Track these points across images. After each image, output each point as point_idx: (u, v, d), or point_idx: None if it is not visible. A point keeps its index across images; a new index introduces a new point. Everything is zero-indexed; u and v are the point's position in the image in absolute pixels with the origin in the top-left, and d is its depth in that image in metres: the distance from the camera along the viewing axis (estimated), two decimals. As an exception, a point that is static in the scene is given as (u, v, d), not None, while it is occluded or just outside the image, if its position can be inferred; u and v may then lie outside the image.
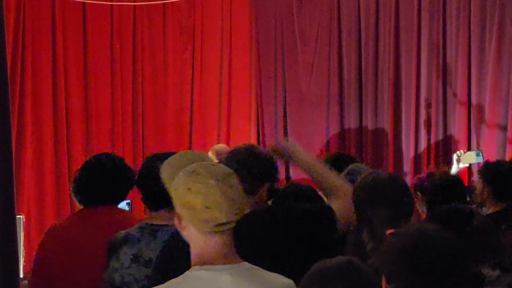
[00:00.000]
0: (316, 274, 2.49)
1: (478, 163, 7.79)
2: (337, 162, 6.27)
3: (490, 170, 6.39)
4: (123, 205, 6.78)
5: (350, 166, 5.35)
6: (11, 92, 8.26)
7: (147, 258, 4.03)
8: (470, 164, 8.25)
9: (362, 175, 4.25)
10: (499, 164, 6.62)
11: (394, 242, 2.73)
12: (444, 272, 2.60)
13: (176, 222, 3.03)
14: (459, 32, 9.45)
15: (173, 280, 3.00)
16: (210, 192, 2.88)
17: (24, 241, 7.78)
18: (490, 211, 6.05)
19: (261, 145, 10.93)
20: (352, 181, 4.76)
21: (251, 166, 4.01)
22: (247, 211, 3.03)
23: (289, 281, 3.10)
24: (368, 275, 2.47)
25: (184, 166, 3.11)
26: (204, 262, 2.98)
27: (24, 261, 7.27)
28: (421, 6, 9.75)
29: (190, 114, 11.01)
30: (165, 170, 3.48)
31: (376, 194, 3.93)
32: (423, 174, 7.79)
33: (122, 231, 4.17)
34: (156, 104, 10.88)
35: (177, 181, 3.00)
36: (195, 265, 3.00)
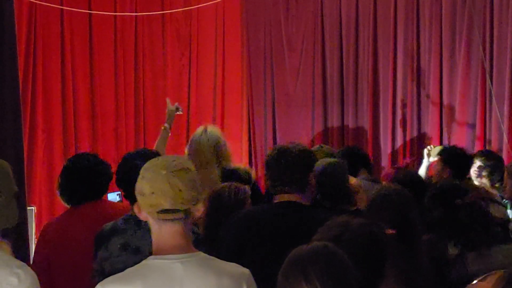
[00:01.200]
0: (294, 259, 2.43)
1: None
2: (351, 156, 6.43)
3: (449, 154, 6.58)
4: (113, 196, 6.83)
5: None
6: (24, 95, 8.32)
7: (134, 247, 4.03)
8: None
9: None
10: (455, 148, 6.90)
11: None
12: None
13: (135, 209, 3.04)
14: (431, 39, 9.44)
15: (130, 268, 3.01)
16: (158, 179, 2.89)
17: (36, 230, 7.80)
18: None
19: (252, 142, 11.00)
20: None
21: None
22: (197, 205, 2.97)
23: (245, 270, 3.10)
24: (343, 257, 2.42)
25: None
26: (159, 251, 2.97)
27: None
28: (396, 15, 9.74)
29: (187, 114, 10.96)
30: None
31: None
32: (393, 169, 7.91)
33: (108, 223, 4.15)
34: (156, 105, 10.84)
35: (141, 171, 3.02)
36: (153, 254, 3.00)
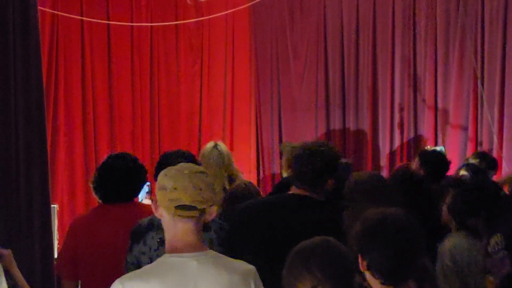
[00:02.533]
0: (297, 253, 2.43)
1: None
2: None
3: (426, 157, 6.56)
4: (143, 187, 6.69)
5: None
6: (47, 100, 8.30)
7: None
8: None
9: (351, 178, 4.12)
10: (434, 152, 6.92)
11: (363, 223, 2.73)
12: (403, 243, 2.62)
13: (152, 205, 3.03)
14: (426, 48, 9.47)
15: (147, 266, 3.03)
16: (180, 177, 2.90)
17: (58, 227, 7.79)
18: None
19: (259, 143, 10.99)
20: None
21: None
22: (213, 206, 2.97)
23: (251, 267, 3.07)
24: (343, 250, 2.43)
25: None
26: (173, 249, 2.96)
27: (58, 244, 7.27)
28: (394, 25, 9.76)
29: (199, 118, 10.98)
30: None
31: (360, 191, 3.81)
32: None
33: (145, 218, 4.06)
34: (170, 109, 10.85)
35: (161, 173, 3.03)
36: (167, 252, 2.98)
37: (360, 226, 2.72)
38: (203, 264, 2.92)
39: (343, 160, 5.77)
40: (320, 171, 4.20)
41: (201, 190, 2.89)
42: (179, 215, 2.92)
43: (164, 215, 2.98)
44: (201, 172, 2.96)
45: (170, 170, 2.97)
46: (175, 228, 2.96)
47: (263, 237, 4.07)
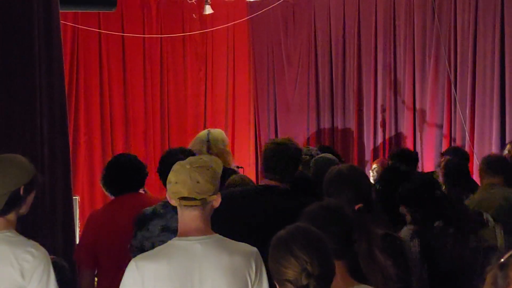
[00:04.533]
0: (277, 243, 2.33)
1: None
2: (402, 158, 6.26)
3: (396, 155, 6.51)
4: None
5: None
6: (69, 104, 8.26)
7: (173, 228, 3.84)
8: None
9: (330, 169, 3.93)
10: (403, 150, 7.00)
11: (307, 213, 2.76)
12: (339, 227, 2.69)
13: (167, 196, 3.02)
14: (406, 55, 9.47)
15: (158, 247, 3.03)
16: (181, 172, 2.90)
17: (79, 217, 7.75)
18: None
19: (258, 141, 10.99)
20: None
21: None
22: (215, 195, 2.94)
23: (253, 249, 3.03)
24: (316, 231, 2.36)
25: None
26: (182, 234, 2.95)
27: (80, 232, 7.25)
28: (377, 36, 9.80)
29: (204, 119, 10.98)
30: None
31: (341, 181, 3.64)
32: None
33: (148, 208, 4.09)
34: (178, 111, 10.84)
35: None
36: (178, 236, 2.98)
37: (304, 213, 2.75)
38: (207, 247, 2.91)
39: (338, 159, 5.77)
40: (285, 163, 4.14)
41: (198, 183, 2.87)
42: (184, 205, 2.92)
43: (174, 203, 2.98)
44: (203, 166, 2.92)
45: (176, 165, 2.98)
46: (183, 215, 2.96)
47: (232, 224, 3.96)
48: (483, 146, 8.57)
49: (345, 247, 2.68)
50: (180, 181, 2.89)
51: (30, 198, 3.29)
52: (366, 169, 9.80)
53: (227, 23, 10.76)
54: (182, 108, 10.88)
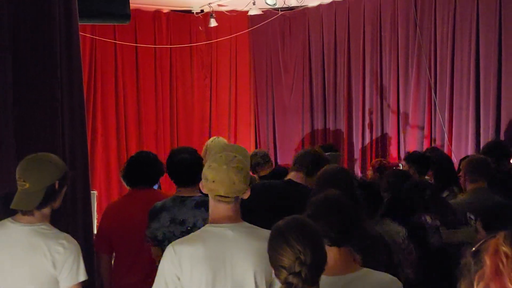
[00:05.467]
0: (275, 233, 2.34)
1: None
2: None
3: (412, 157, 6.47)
4: (154, 187, 6.77)
5: None
6: (87, 108, 8.32)
7: (181, 219, 3.99)
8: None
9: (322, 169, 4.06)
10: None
11: (313, 202, 2.79)
12: (340, 214, 2.71)
13: (200, 185, 2.97)
14: (391, 63, 9.39)
15: (193, 233, 3.01)
16: (220, 171, 2.84)
17: (97, 209, 7.81)
18: None
19: (257, 142, 11.03)
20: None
21: None
22: (246, 194, 2.92)
23: None
24: (311, 223, 2.36)
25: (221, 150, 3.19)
26: (215, 221, 2.93)
27: (97, 223, 7.29)
28: (365, 45, 9.70)
29: (209, 121, 10.96)
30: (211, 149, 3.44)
31: (329, 181, 3.73)
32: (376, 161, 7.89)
33: (159, 202, 4.11)
34: (186, 114, 10.84)
35: (208, 159, 2.99)
36: (209, 223, 2.96)
37: (310, 204, 2.77)
38: (237, 233, 2.90)
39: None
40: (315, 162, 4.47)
41: (234, 184, 2.85)
42: (218, 200, 2.91)
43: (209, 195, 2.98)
44: (238, 167, 2.88)
45: (213, 163, 2.90)
46: (217, 206, 2.93)
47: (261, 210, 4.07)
48: (460, 145, 8.59)
49: (346, 235, 2.69)
50: (218, 181, 2.85)
51: (63, 192, 3.28)
52: (355, 166, 9.90)
53: (230, 35, 10.76)
54: (189, 112, 10.91)
